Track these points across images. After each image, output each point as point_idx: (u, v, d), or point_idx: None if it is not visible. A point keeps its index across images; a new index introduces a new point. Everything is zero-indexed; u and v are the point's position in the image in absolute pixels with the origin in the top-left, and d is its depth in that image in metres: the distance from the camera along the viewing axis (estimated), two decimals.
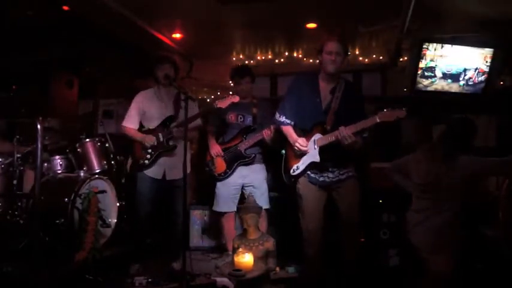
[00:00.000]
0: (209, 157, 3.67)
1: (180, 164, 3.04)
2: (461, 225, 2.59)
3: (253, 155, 3.57)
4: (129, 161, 3.60)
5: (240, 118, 3.64)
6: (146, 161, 3.37)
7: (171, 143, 3.36)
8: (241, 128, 3.61)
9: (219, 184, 3.65)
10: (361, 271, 2.99)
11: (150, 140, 3.36)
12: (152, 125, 3.45)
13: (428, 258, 2.56)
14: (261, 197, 3.53)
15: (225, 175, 3.60)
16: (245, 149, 3.56)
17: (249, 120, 3.63)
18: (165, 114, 3.43)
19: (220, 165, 3.61)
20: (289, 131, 2.98)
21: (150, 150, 3.37)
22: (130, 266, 3.37)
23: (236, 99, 3.28)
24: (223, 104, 3.25)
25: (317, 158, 2.85)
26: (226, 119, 3.65)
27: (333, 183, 2.90)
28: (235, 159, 3.58)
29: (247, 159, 3.57)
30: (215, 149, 3.63)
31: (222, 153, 3.60)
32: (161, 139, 3.35)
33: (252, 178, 3.59)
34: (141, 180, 3.43)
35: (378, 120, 2.63)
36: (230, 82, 5.05)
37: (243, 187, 3.63)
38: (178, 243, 3.34)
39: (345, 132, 2.67)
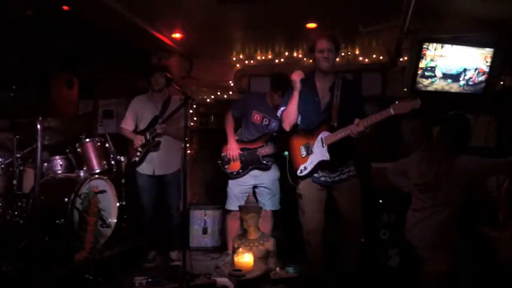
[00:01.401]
0: (225, 152, 3.58)
1: (167, 160, 3.63)
2: (461, 225, 2.59)
3: (270, 163, 3.52)
4: (124, 160, 3.85)
5: (265, 121, 3.56)
6: (136, 158, 3.70)
7: (156, 139, 3.64)
8: (265, 133, 3.54)
9: (231, 183, 3.61)
10: (361, 271, 2.99)
11: (138, 140, 3.67)
12: (144, 125, 3.73)
13: (428, 257, 2.56)
14: (273, 198, 3.52)
15: (237, 175, 3.55)
16: (263, 156, 3.50)
17: (274, 125, 3.53)
18: (154, 116, 3.70)
19: (234, 163, 3.55)
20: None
21: (139, 149, 3.68)
22: (148, 253, 3.70)
23: None
24: None
25: (327, 156, 2.82)
26: (250, 117, 3.58)
27: (335, 182, 2.90)
28: (251, 163, 3.52)
29: (263, 166, 3.52)
30: (234, 151, 3.53)
31: (239, 157, 3.52)
32: (148, 137, 3.66)
33: (264, 178, 3.56)
34: (138, 179, 3.74)
35: (393, 113, 2.60)
36: (230, 82, 5.08)
37: (255, 186, 3.59)
38: (175, 233, 3.68)
39: (359, 128, 2.66)
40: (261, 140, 3.53)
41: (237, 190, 3.57)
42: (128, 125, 3.80)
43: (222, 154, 3.60)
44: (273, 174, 3.58)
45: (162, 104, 3.73)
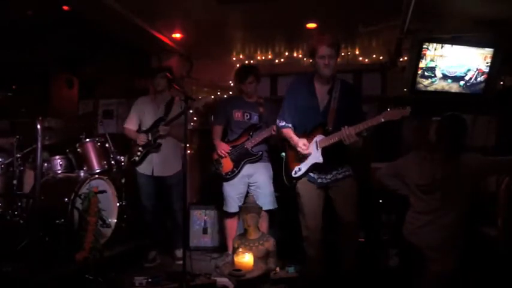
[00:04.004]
0: (215, 156, 3.66)
1: (168, 161, 3.64)
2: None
3: (260, 152, 3.57)
4: (125, 159, 3.88)
5: (247, 116, 3.65)
6: (136, 158, 3.75)
7: (158, 141, 3.69)
8: (248, 126, 3.61)
9: (226, 185, 3.64)
10: (361, 271, 2.99)
11: (141, 139, 3.72)
12: (146, 126, 3.78)
13: (436, 258, 2.54)
14: (266, 197, 3.52)
15: (233, 174, 3.58)
16: (252, 147, 3.55)
17: (255, 118, 3.63)
18: (157, 117, 3.75)
19: (227, 164, 3.60)
20: (289, 133, 2.99)
21: (140, 148, 3.74)
22: (148, 253, 3.72)
23: None
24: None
25: (320, 159, 2.86)
26: (232, 117, 3.65)
27: (331, 183, 2.91)
28: (242, 157, 3.56)
29: (254, 157, 3.56)
30: (222, 147, 3.61)
31: (229, 152, 3.59)
32: (150, 138, 3.71)
33: (257, 177, 3.58)
34: (138, 178, 3.79)
35: (383, 120, 2.63)
36: (230, 82, 5.08)
37: (248, 186, 3.62)
38: (179, 232, 3.71)
39: (349, 132, 2.68)
40: (246, 134, 3.60)
41: (233, 192, 3.61)
42: (131, 125, 3.85)
43: (213, 160, 3.67)
44: (265, 172, 3.61)
45: (165, 105, 3.77)
